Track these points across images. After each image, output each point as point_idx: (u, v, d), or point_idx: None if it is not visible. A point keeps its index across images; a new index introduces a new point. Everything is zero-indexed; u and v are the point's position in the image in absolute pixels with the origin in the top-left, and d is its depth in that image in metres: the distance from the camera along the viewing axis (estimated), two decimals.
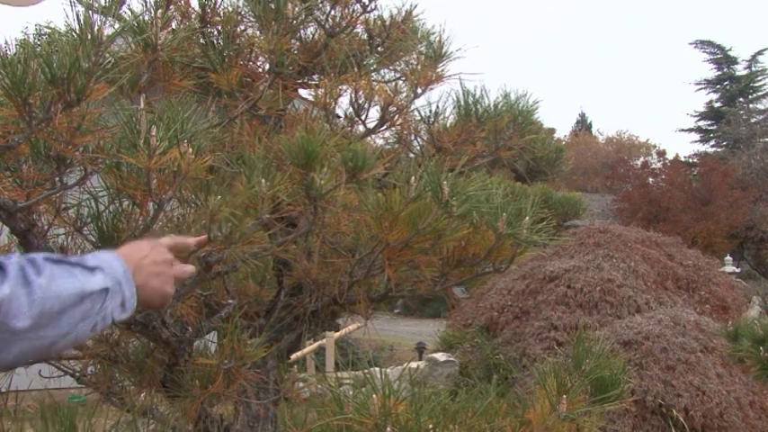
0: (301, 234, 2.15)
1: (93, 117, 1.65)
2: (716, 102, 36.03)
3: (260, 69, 2.43)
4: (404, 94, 2.47)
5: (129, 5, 2.08)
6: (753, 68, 35.28)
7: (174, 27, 2.25)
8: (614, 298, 7.30)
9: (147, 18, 1.92)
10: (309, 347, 7.32)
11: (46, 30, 2.04)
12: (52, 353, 1.13)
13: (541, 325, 7.22)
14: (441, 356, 7.89)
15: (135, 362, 2.19)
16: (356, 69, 2.40)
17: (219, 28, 2.36)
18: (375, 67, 2.58)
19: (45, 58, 1.48)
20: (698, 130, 36.51)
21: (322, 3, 2.40)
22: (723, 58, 35.88)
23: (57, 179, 1.77)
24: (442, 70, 2.54)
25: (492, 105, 2.60)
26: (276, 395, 2.36)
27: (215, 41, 2.34)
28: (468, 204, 2.04)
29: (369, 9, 2.46)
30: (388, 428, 1.72)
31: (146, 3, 2.11)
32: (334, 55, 2.45)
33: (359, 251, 2.25)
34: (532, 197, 2.14)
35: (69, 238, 1.98)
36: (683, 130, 39.08)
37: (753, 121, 31.75)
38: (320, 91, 2.35)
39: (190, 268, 1.43)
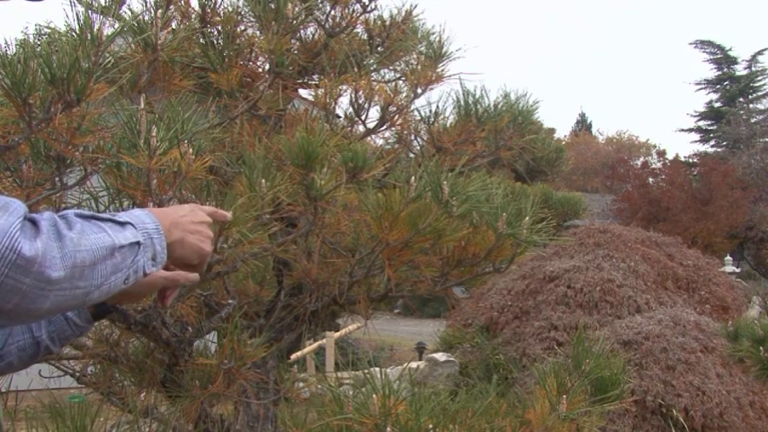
0: (301, 234, 2.15)
1: (93, 117, 1.65)
2: (716, 102, 36.08)
3: (260, 69, 2.43)
4: (404, 94, 2.47)
5: (129, 5, 2.08)
6: (753, 68, 35.33)
7: (174, 27, 2.25)
8: (614, 298, 7.31)
9: (147, 18, 1.92)
10: (309, 347, 7.32)
11: (46, 30, 2.04)
12: (87, 303, 1.16)
13: (541, 325, 7.22)
14: (441, 356, 7.89)
15: (135, 362, 2.19)
16: (356, 69, 2.40)
17: (219, 28, 2.36)
18: (375, 67, 2.58)
19: (45, 58, 1.48)
20: (698, 130, 36.55)
21: (322, 3, 2.40)
22: (723, 58, 35.91)
23: (57, 179, 1.77)
24: (442, 70, 2.54)
25: (492, 105, 2.60)
26: (276, 395, 2.36)
27: (215, 41, 2.34)
28: (468, 204, 2.04)
29: (369, 9, 2.46)
30: (388, 428, 1.72)
31: (146, 3, 2.11)
32: (334, 55, 2.45)
33: (359, 251, 2.25)
34: (532, 197, 2.14)
35: None
36: (683, 130, 39.21)
37: (753, 121, 31.78)
38: (320, 91, 2.35)
39: (194, 276, 1.43)
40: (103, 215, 1.17)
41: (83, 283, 1.08)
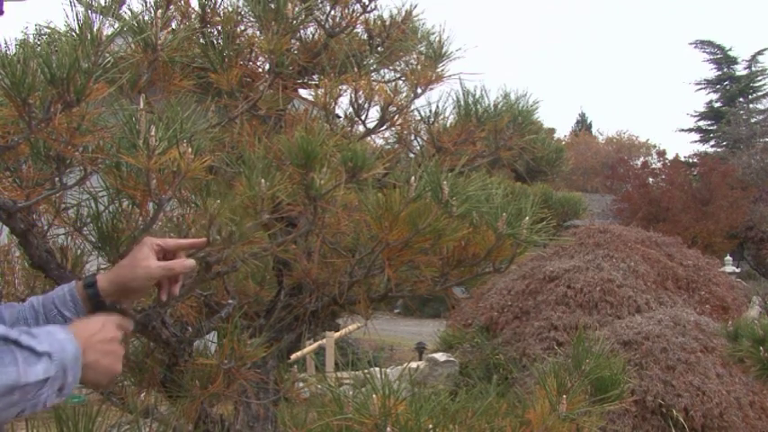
0: (301, 234, 2.15)
1: (93, 117, 1.65)
2: (716, 102, 36.09)
3: (260, 69, 2.43)
4: (404, 94, 2.47)
5: (129, 5, 2.08)
6: (753, 68, 35.34)
7: (174, 27, 2.25)
8: (614, 298, 7.31)
9: (147, 18, 1.92)
10: (309, 347, 7.32)
11: (46, 30, 2.04)
12: None
13: (541, 325, 7.22)
14: (441, 356, 7.89)
15: (135, 362, 2.19)
16: (356, 69, 2.40)
17: (219, 28, 2.36)
18: (375, 67, 2.58)
19: (45, 58, 1.48)
20: (698, 130, 36.57)
21: (322, 3, 2.40)
22: (723, 58, 35.93)
23: (57, 179, 1.77)
24: (442, 70, 2.54)
25: (492, 105, 2.60)
26: (276, 395, 2.36)
27: (215, 41, 2.34)
28: (468, 204, 2.04)
29: (369, 9, 2.46)
30: (388, 428, 1.72)
31: (146, 3, 2.11)
32: (334, 55, 2.45)
33: (359, 251, 2.25)
34: (532, 197, 2.14)
35: (69, 238, 1.98)
36: (683, 130, 39.25)
37: (753, 121, 31.80)
38: (320, 91, 2.35)
39: (190, 262, 1.44)
40: (24, 340, 1.12)
41: None
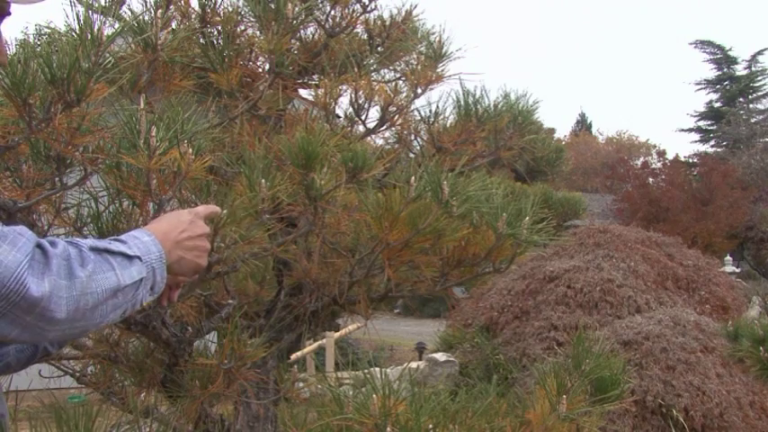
0: (301, 234, 2.15)
1: (93, 117, 1.65)
2: (716, 102, 36.10)
3: (260, 69, 2.43)
4: (404, 94, 2.47)
5: (129, 5, 2.08)
6: (753, 68, 35.35)
7: (174, 27, 2.25)
8: (614, 298, 7.30)
9: (147, 18, 1.92)
10: (309, 347, 7.32)
11: (46, 30, 2.04)
12: (83, 335, 1.21)
13: (541, 325, 7.21)
14: (441, 356, 7.89)
15: (135, 362, 2.19)
16: (356, 69, 2.40)
17: (219, 28, 2.36)
18: (375, 67, 2.58)
19: (45, 59, 1.48)
20: (698, 130, 36.58)
21: (322, 3, 2.40)
22: (723, 58, 35.93)
23: (57, 179, 1.77)
24: (442, 70, 2.54)
25: (492, 105, 2.60)
26: (276, 395, 2.36)
27: (215, 41, 2.34)
28: (468, 204, 2.04)
29: (369, 9, 2.46)
30: (388, 428, 1.72)
31: (146, 3, 2.11)
32: (335, 55, 2.45)
33: (359, 251, 2.25)
34: (532, 197, 2.14)
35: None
36: (683, 130, 39.27)
37: (753, 121, 31.82)
38: (320, 91, 2.35)
39: None
40: (115, 247, 1.18)
41: (82, 323, 1.12)
